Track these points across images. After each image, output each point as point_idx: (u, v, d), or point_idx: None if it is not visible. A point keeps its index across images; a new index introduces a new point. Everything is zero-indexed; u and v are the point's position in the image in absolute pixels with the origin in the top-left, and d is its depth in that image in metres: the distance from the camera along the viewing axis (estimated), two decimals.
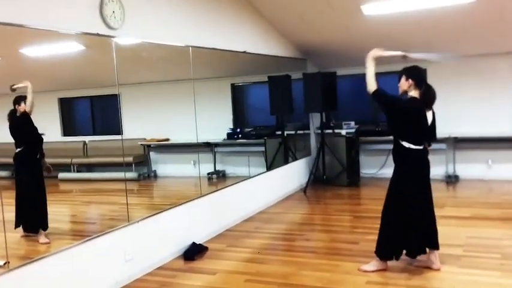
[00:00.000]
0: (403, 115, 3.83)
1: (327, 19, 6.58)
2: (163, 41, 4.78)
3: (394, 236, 3.93)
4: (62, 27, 3.64)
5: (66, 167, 6.13)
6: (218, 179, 7.23)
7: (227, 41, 5.87)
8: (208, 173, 7.11)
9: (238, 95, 7.90)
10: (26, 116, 4.07)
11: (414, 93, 3.85)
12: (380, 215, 4.05)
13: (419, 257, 4.02)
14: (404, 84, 3.88)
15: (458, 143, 7.56)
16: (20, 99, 4.10)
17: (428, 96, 3.81)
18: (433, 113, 3.92)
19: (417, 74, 3.89)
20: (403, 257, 4.00)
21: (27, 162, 4.26)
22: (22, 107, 4.10)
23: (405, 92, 3.89)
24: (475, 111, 7.52)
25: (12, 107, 4.11)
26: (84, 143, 6.28)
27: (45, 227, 4.26)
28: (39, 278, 3.38)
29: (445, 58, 3.96)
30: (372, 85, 3.87)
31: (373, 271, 4.02)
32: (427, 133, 3.91)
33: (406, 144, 3.84)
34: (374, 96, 3.89)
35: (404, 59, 3.94)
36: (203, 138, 5.92)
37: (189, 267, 4.46)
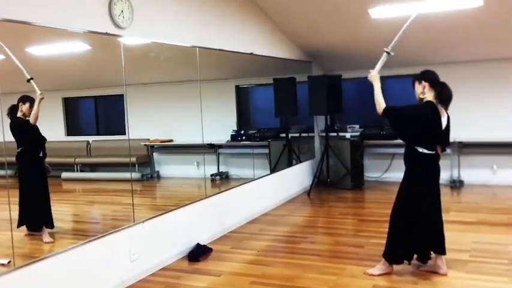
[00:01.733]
0: (417, 119, 3.78)
1: (333, 22, 6.57)
2: (170, 42, 4.76)
3: (404, 239, 3.90)
4: (70, 26, 3.62)
5: (69, 167, 6.10)
6: (221, 180, 7.20)
7: (234, 42, 5.86)
8: (212, 175, 7.07)
9: (242, 96, 7.87)
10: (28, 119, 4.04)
11: (429, 95, 3.81)
12: (385, 219, 4.03)
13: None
14: (418, 88, 3.85)
15: (463, 148, 7.53)
16: (26, 99, 4.04)
17: (444, 94, 3.76)
18: (448, 118, 3.88)
19: (429, 75, 3.86)
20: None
21: (30, 162, 4.21)
22: (25, 107, 4.05)
23: (422, 100, 3.85)
24: (480, 116, 7.48)
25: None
26: (88, 142, 6.26)
27: (50, 225, 4.23)
28: (43, 278, 3.36)
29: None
30: (381, 103, 3.82)
31: (378, 275, 4.00)
32: (440, 138, 3.87)
33: (419, 148, 3.80)
34: (386, 114, 3.82)
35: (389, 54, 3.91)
36: (207, 139, 5.89)
37: (193, 269, 4.44)
